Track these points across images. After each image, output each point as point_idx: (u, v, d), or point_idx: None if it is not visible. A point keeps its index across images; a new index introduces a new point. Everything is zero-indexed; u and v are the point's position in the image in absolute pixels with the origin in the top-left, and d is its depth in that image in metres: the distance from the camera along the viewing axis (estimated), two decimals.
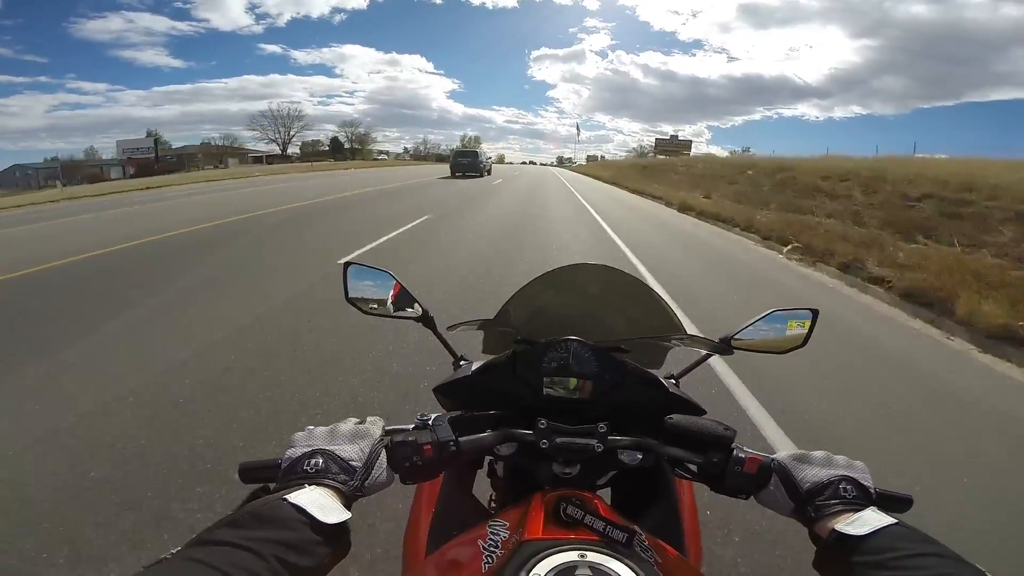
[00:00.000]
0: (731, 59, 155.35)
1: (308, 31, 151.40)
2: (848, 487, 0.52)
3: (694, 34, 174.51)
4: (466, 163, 25.34)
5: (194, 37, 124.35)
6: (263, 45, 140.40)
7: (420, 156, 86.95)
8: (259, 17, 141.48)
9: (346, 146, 77.31)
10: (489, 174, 27.28)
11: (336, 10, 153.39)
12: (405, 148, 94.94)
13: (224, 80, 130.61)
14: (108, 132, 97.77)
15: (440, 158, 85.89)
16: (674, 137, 76.73)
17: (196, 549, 0.39)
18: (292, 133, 70.50)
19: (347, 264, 0.83)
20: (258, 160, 58.70)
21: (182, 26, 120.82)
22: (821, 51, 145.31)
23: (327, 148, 75.01)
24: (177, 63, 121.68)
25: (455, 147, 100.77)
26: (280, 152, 67.49)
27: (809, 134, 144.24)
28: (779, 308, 0.79)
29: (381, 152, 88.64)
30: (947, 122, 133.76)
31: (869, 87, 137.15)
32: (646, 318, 0.86)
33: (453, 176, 23.86)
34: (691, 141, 68.56)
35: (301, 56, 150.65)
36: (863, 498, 0.51)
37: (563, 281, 0.88)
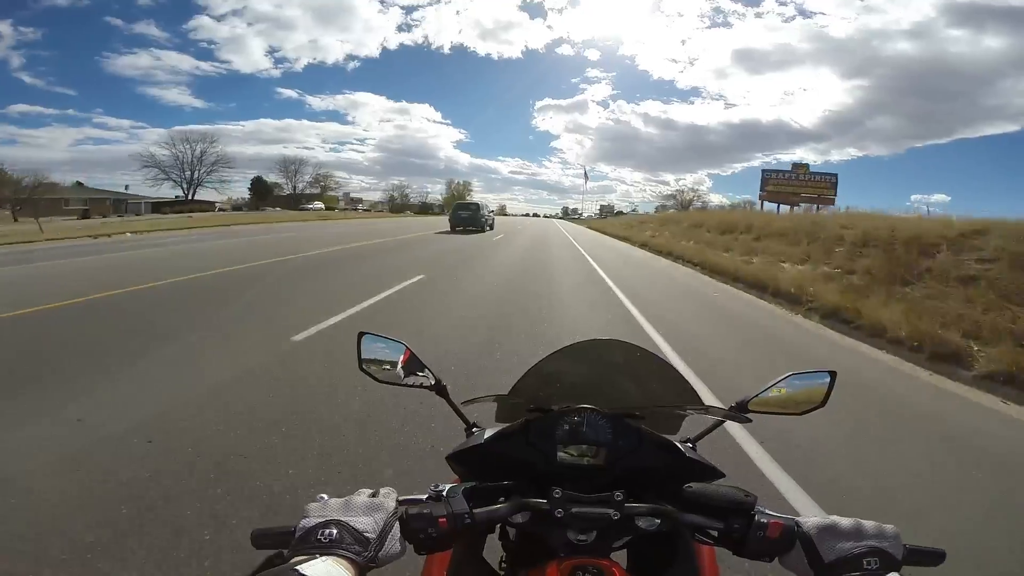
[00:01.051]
0: (728, 105, 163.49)
1: (323, 77, 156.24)
2: (873, 560, 0.52)
3: (692, 81, 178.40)
4: (466, 217, 24.63)
5: (215, 78, 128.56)
6: (280, 89, 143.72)
7: (398, 207, 79.40)
8: (277, 61, 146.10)
9: (291, 189, 66.51)
10: (491, 228, 26.69)
11: (350, 56, 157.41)
12: (391, 196, 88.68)
13: (241, 123, 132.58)
14: (127, 169, 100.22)
15: (424, 208, 79.46)
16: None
17: None
18: (201, 172, 57.28)
19: (361, 333, 0.86)
20: (160, 207, 46.81)
21: (205, 66, 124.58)
22: (815, 94, 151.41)
23: (248, 196, 64.59)
24: (198, 103, 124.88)
25: (442, 196, 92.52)
26: (184, 197, 55.04)
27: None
28: (796, 372, 0.80)
29: (353, 200, 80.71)
30: (941, 161, 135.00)
31: (863, 128, 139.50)
32: (662, 389, 0.88)
33: (452, 231, 23.08)
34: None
35: (315, 102, 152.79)
36: (887, 568, 0.52)
37: (577, 355, 0.90)
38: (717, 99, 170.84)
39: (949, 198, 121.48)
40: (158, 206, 47.11)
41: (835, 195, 26.69)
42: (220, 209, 50.76)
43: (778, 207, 26.54)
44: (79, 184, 50.54)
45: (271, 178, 67.08)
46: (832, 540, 0.55)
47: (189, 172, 55.86)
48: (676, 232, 20.18)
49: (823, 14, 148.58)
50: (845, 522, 0.56)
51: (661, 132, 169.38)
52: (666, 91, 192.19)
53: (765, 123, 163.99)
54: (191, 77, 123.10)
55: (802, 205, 25.77)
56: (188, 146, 55.55)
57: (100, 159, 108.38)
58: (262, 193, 63.39)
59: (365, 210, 70.56)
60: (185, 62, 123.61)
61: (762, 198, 27.91)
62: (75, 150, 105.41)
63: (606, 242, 22.54)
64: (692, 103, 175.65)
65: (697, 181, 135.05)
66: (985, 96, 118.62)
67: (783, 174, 28.75)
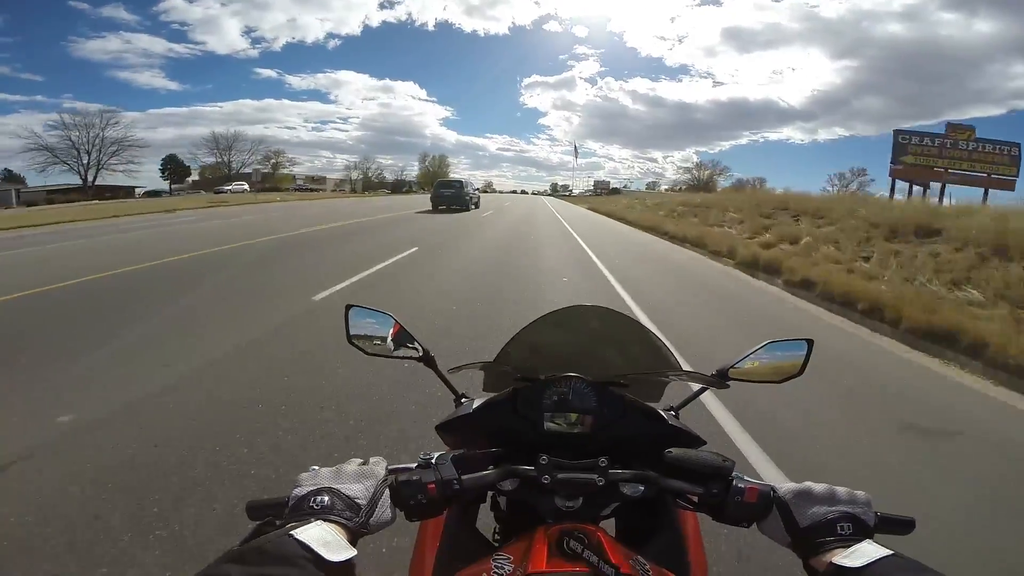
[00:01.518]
0: (717, 83, 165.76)
1: (303, 56, 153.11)
2: (846, 524, 0.55)
3: (680, 59, 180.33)
4: (449, 195, 22.98)
5: (191, 60, 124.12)
6: (258, 69, 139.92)
7: (373, 185, 73.67)
8: (255, 41, 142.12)
9: (227, 170, 58.01)
10: (477, 207, 25.33)
11: (331, 35, 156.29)
12: (363, 174, 79.06)
13: (220, 104, 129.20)
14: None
15: (398, 187, 73.70)
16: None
17: None
18: (103, 155, 48.46)
19: (348, 306, 0.88)
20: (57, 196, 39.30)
21: (179, 48, 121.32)
22: (803, 73, 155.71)
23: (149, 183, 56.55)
24: (173, 85, 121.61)
25: (415, 173, 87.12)
26: (84, 183, 46.69)
27: (795, 158, 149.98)
28: (774, 339, 0.84)
29: (316, 180, 72.61)
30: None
31: (851, 108, 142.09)
32: (644, 356, 0.92)
33: (435, 210, 21.63)
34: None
35: (296, 81, 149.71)
36: (861, 534, 0.54)
37: (561, 322, 0.93)
38: (705, 77, 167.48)
39: None
40: (61, 193, 41.31)
41: (1017, 174, 16.86)
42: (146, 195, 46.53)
43: (910, 189, 17.64)
44: None
45: (207, 158, 60.75)
46: (806, 505, 0.58)
47: (87, 156, 47.44)
48: (744, 226, 13.61)
49: None
50: (818, 487, 0.59)
51: (649, 109, 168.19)
52: (654, 69, 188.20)
53: (753, 101, 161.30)
54: (164, 60, 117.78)
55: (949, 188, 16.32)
56: (84, 128, 47.24)
57: (67, 143, 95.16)
58: (180, 175, 57.37)
59: (334, 191, 63.71)
60: (157, 44, 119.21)
61: (894, 174, 18.42)
62: (46, 136, 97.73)
63: (629, 238, 15.38)
64: (680, 81, 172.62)
65: (684, 158, 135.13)
66: (973, 79, 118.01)
67: (931, 140, 18.23)
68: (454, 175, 40.95)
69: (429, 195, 24.56)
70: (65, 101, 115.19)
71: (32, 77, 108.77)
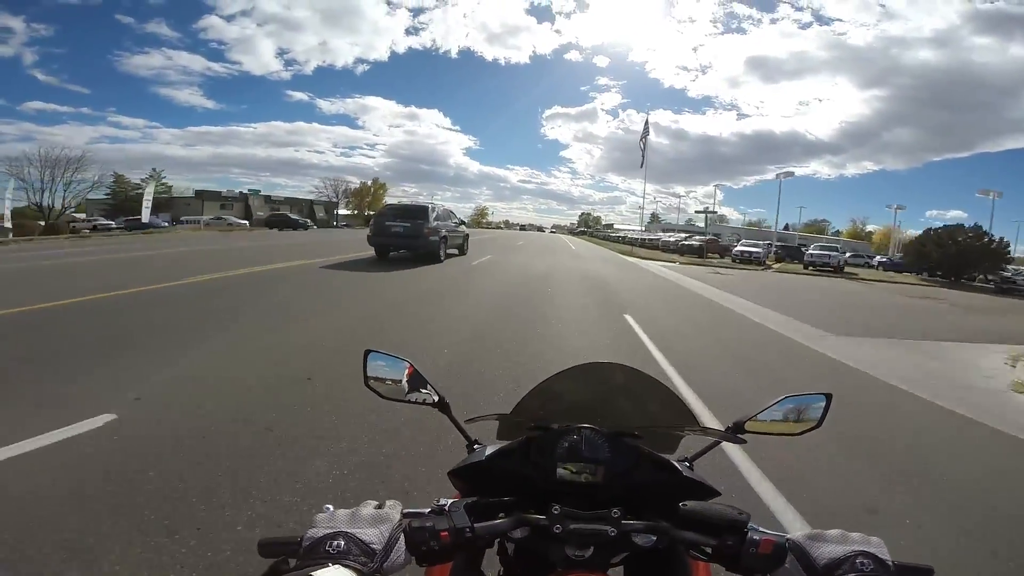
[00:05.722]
0: (741, 116, 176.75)
1: (333, 80, 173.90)
2: (865, 561, 0.60)
3: (703, 91, 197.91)
4: (402, 233, 15.01)
5: (227, 79, 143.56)
6: (290, 92, 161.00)
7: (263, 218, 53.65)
8: (288, 63, 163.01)
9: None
10: (462, 253, 18.89)
11: (359, 60, 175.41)
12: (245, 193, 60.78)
13: (253, 125, 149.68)
14: (144, 168, 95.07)
15: (284, 223, 47.46)
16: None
17: None
18: None
19: (367, 352, 1.00)
20: None
21: (216, 67, 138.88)
22: (831, 104, 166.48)
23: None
24: (210, 104, 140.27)
25: (322, 190, 73.47)
26: None
27: (822, 194, 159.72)
28: (791, 394, 0.95)
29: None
30: (959, 176, 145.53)
31: (880, 140, 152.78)
32: (660, 410, 1.03)
33: (378, 258, 15.62)
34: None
35: (325, 105, 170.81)
36: (881, 572, 0.60)
37: (578, 377, 1.05)
38: (729, 109, 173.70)
39: (966, 215, 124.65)
40: None
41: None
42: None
43: None
44: None
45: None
46: (822, 546, 0.65)
47: None
48: None
49: (841, 20, 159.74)
50: (831, 532, 0.66)
51: (672, 142, 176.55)
52: (677, 100, 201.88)
53: (779, 134, 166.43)
54: (203, 78, 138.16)
55: None
56: None
57: (115, 158, 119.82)
58: None
59: (207, 224, 43.62)
60: (196, 62, 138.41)
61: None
62: (91, 148, 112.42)
63: None
64: (704, 113, 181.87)
65: (707, 194, 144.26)
66: (1009, 108, 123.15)
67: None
68: (417, 200, 30.44)
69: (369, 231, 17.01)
70: (109, 115, 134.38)
71: (79, 89, 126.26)
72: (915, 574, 0.63)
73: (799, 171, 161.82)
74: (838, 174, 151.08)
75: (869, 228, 78.21)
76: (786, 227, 60.07)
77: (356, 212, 72.07)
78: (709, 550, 0.71)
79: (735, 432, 0.92)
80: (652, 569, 0.86)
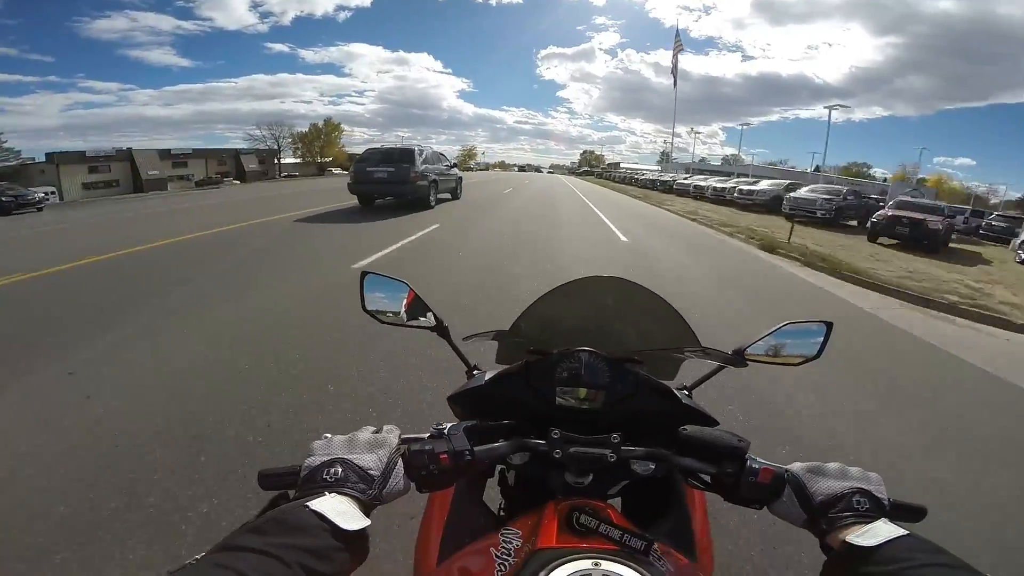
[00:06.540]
0: (746, 57, 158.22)
1: (314, 29, 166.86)
2: (862, 499, 0.61)
3: (707, 31, 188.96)
4: (385, 178, 13.93)
5: (200, 36, 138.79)
6: (270, 44, 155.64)
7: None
8: (263, 16, 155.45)
9: None
10: (455, 197, 18.12)
11: (340, 7, 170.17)
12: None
13: (234, 80, 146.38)
14: (125, 131, 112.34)
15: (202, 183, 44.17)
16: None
17: (223, 555, 0.46)
18: None
19: (364, 274, 0.98)
20: None
21: (187, 25, 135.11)
22: (841, 49, 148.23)
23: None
24: (185, 62, 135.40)
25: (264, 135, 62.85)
26: None
27: (829, 136, 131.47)
28: (792, 321, 0.95)
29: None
30: (972, 125, 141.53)
31: (892, 87, 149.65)
32: (660, 330, 1.02)
33: (362, 206, 14.82)
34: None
35: (309, 55, 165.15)
36: (876, 510, 0.60)
37: (576, 294, 1.03)
38: (734, 50, 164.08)
39: (974, 163, 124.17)
40: None
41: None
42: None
43: None
44: None
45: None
46: (819, 481, 0.65)
47: None
48: None
49: None
50: (831, 466, 0.68)
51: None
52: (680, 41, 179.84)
53: (785, 77, 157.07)
54: (174, 37, 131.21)
55: None
56: None
57: (93, 123, 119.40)
58: None
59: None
60: (164, 22, 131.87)
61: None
62: (66, 115, 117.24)
63: None
64: (707, 53, 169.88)
65: (710, 134, 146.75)
66: None
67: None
68: (391, 143, 25.97)
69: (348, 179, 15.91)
70: (79, 81, 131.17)
71: (42, 58, 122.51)
72: (909, 512, 0.65)
73: (804, 114, 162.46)
74: (845, 118, 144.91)
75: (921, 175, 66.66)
76: (817, 169, 53.52)
77: (305, 160, 60.74)
78: (707, 478, 0.73)
79: (736, 357, 0.92)
80: (650, 500, 0.88)
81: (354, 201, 14.37)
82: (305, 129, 63.34)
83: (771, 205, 19.80)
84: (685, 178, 33.12)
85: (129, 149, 41.51)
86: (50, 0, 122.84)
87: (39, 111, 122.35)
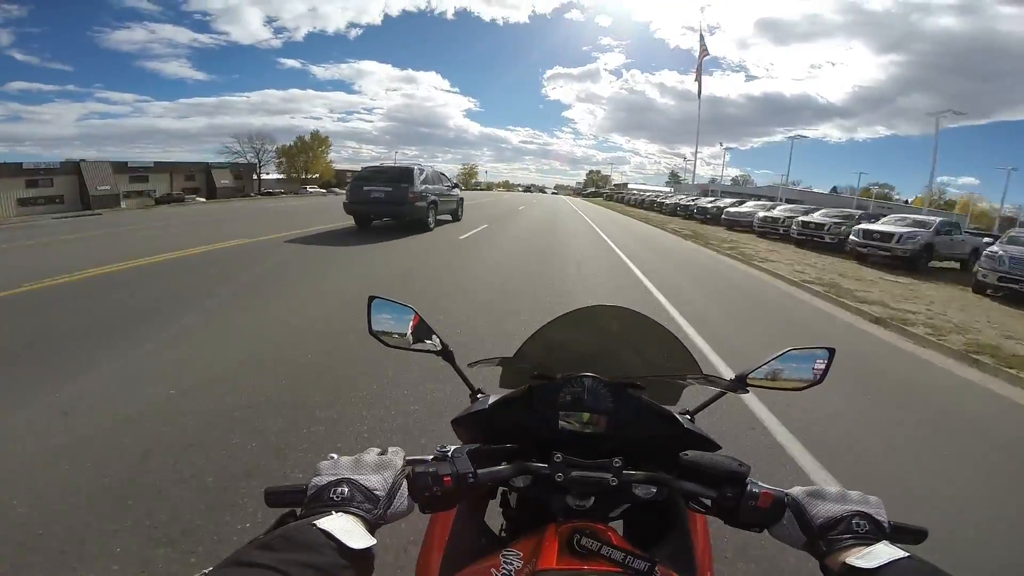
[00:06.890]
0: (750, 77, 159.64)
1: (326, 46, 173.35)
2: (861, 522, 0.62)
3: (712, 52, 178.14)
4: (383, 198, 13.40)
5: (215, 49, 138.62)
6: (282, 59, 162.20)
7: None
8: (277, 31, 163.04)
9: None
10: (456, 219, 17.54)
11: (352, 25, 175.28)
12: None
13: (247, 94, 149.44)
14: (138, 142, 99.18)
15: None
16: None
17: (232, 570, 0.48)
18: None
19: (371, 298, 1.00)
20: None
21: (203, 38, 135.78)
22: (844, 68, 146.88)
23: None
24: (200, 75, 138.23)
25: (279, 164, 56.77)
26: None
27: (831, 157, 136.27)
28: (795, 347, 0.97)
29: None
30: (975, 143, 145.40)
31: (894, 106, 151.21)
32: (663, 357, 1.05)
33: (358, 227, 14.37)
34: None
35: (320, 71, 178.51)
36: (876, 532, 0.61)
37: (581, 321, 1.05)
38: (738, 70, 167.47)
39: (978, 182, 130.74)
40: None
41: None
42: None
43: None
44: None
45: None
46: (819, 504, 0.67)
47: None
48: None
49: None
50: (831, 490, 0.69)
51: (678, 103, 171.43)
52: (683, 61, 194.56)
53: (789, 97, 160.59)
54: (190, 50, 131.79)
55: None
56: None
57: (108, 133, 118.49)
58: None
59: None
60: (181, 35, 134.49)
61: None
62: (83, 125, 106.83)
63: None
64: (711, 73, 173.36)
65: (714, 155, 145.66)
66: None
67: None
68: (389, 162, 24.95)
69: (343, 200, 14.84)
70: (96, 91, 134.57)
71: (62, 67, 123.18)
72: (910, 534, 0.66)
73: (808, 133, 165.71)
74: (848, 137, 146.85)
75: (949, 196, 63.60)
76: (833, 190, 48.32)
77: (290, 176, 56.81)
78: (708, 502, 0.74)
79: (738, 384, 0.94)
80: (651, 522, 0.89)
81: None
82: (291, 143, 60.70)
83: (860, 248, 13.14)
84: (736, 204, 24.11)
85: (78, 161, 37.76)
86: (72, 9, 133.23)
87: (57, 120, 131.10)
